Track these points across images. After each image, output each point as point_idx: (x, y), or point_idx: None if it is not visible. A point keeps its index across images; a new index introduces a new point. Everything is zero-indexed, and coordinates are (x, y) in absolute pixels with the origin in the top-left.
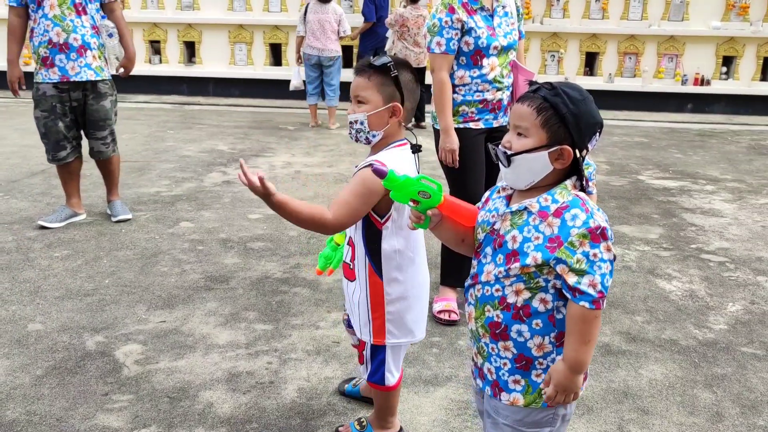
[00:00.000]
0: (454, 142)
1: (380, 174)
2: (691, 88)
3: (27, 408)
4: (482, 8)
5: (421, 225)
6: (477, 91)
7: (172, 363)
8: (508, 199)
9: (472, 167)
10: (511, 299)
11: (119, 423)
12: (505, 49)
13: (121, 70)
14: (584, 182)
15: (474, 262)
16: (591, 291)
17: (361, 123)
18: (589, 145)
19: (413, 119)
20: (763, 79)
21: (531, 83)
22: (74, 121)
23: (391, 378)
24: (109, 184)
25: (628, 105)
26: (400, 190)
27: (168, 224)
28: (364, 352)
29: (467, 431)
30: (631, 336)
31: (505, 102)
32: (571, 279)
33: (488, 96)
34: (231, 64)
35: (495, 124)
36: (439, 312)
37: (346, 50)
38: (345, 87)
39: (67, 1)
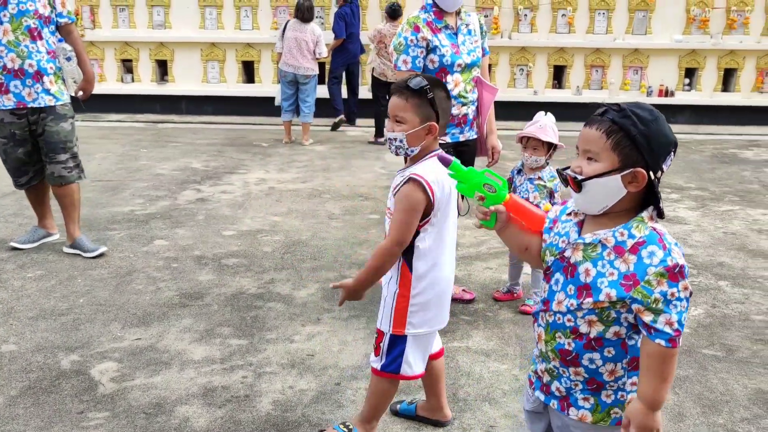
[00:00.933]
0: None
1: (445, 162)
2: (656, 99)
3: (1, 429)
4: (446, 27)
5: (487, 223)
6: None
7: (147, 379)
8: (580, 225)
9: None
10: (583, 330)
11: None
12: (468, 66)
13: (80, 93)
14: (660, 207)
15: (544, 285)
16: (668, 329)
17: (401, 141)
18: (664, 166)
19: (375, 133)
20: (724, 89)
21: (598, 106)
22: (35, 145)
23: (408, 369)
24: (70, 216)
25: None
26: (465, 180)
27: (142, 243)
28: (381, 344)
29: None
30: None
31: (471, 116)
32: (647, 317)
33: (454, 111)
34: (204, 82)
35: (461, 138)
36: (456, 294)
37: (320, 67)
38: (320, 103)
39: (21, 26)
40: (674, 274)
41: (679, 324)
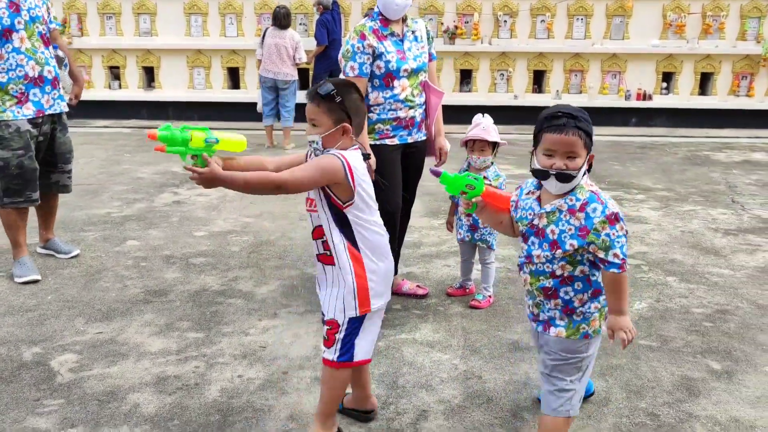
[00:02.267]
0: (367, 145)
1: (436, 174)
2: (634, 103)
3: None
4: (392, 34)
5: (470, 209)
6: (390, 110)
7: (104, 370)
8: (539, 200)
9: (391, 179)
10: (558, 272)
11: (47, 425)
12: (415, 71)
13: (74, 99)
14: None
15: (524, 246)
16: (616, 260)
17: (317, 143)
18: None
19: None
20: (701, 93)
21: (554, 117)
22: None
23: (359, 355)
24: (50, 221)
25: None
26: (452, 184)
27: (114, 243)
28: (337, 334)
29: (373, 421)
30: None
31: (418, 119)
32: (601, 254)
33: (401, 114)
34: (190, 88)
35: (410, 140)
36: (410, 290)
37: (302, 72)
38: (300, 108)
39: (34, 32)
40: (612, 219)
41: (623, 254)
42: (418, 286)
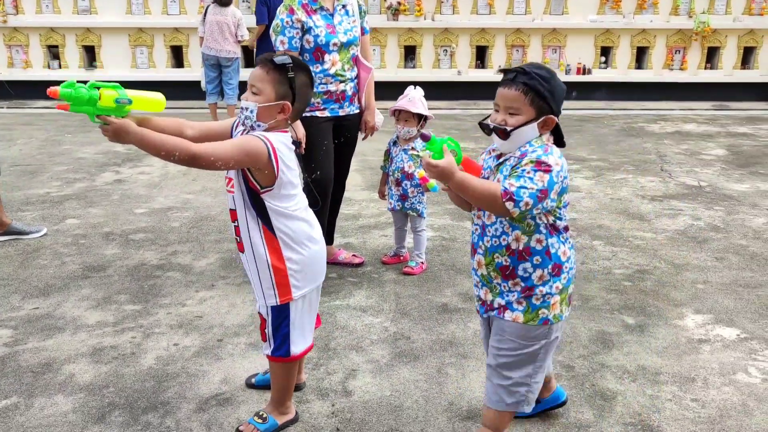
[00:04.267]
0: (300, 130)
1: (425, 138)
2: (574, 77)
3: None
4: (322, 8)
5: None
6: (321, 83)
7: (40, 343)
8: (498, 158)
9: (321, 149)
10: (513, 246)
11: None
12: (345, 45)
13: None
14: (563, 140)
15: (479, 214)
16: (508, 186)
17: (251, 111)
18: (561, 109)
19: None
20: (638, 67)
21: (506, 71)
22: None
23: (295, 348)
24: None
25: None
26: (435, 147)
27: (53, 222)
28: (266, 330)
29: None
30: (469, 296)
31: (349, 93)
32: (506, 180)
33: (331, 88)
34: (133, 68)
35: (341, 113)
36: (345, 259)
37: (246, 50)
38: (244, 86)
39: None
40: (539, 164)
41: (517, 190)
42: (353, 255)
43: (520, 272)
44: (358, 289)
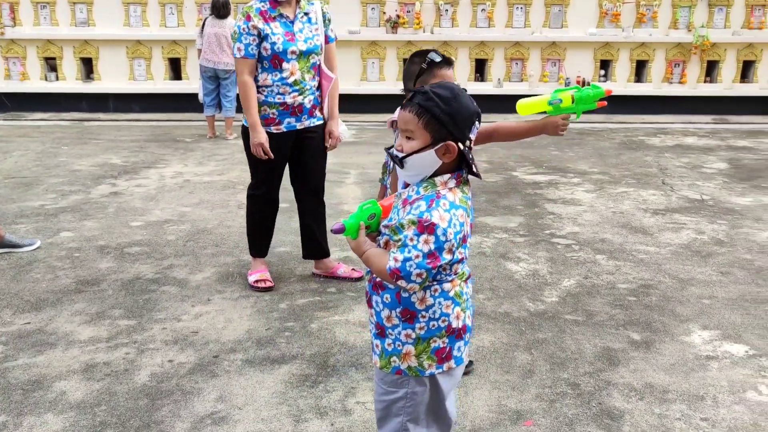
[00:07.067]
0: (262, 136)
1: (338, 231)
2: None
3: None
4: (281, 15)
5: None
6: (278, 93)
7: (30, 359)
8: (406, 185)
9: (272, 165)
10: (372, 273)
11: None
12: (305, 54)
13: None
14: (474, 169)
15: None
16: (393, 264)
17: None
18: (471, 135)
19: None
20: (637, 80)
21: (408, 92)
22: None
23: None
24: None
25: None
26: (354, 228)
27: (48, 234)
28: None
29: (301, 399)
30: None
31: (308, 105)
32: (392, 249)
33: (288, 100)
34: (130, 80)
35: (299, 127)
36: (255, 282)
37: None
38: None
39: None
40: (421, 225)
41: (402, 265)
42: (353, 269)
43: (374, 304)
44: (357, 304)
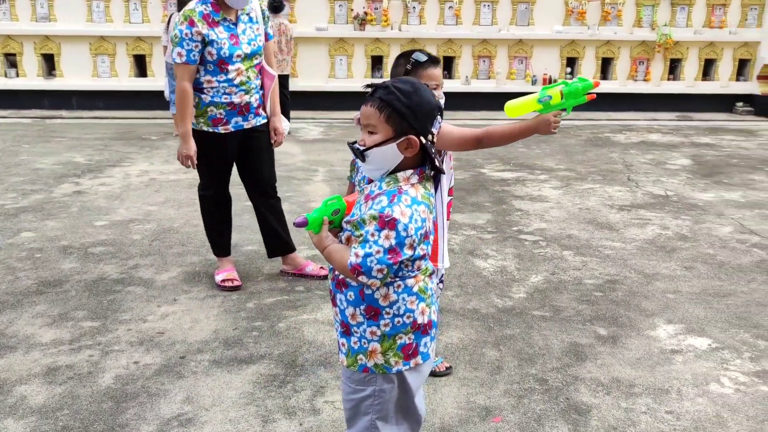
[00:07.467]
0: (191, 148)
1: (300, 225)
2: (540, 88)
3: None
4: (225, 19)
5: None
6: (225, 93)
7: None
8: (369, 181)
9: (213, 167)
10: (335, 270)
11: None
12: (249, 56)
13: None
14: (437, 164)
15: None
16: (353, 259)
17: None
18: (433, 129)
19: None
20: (603, 77)
21: (369, 86)
22: None
23: None
24: None
25: (484, 105)
26: (317, 223)
27: (7, 235)
28: None
29: (269, 399)
30: (440, 308)
31: (254, 104)
32: (353, 244)
33: (235, 99)
34: (94, 77)
35: (246, 126)
36: (222, 281)
37: None
38: None
39: None
40: (382, 220)
41: (363, 260)
42: (321, 267)
43: (338, 302)
44: (325, 302)
